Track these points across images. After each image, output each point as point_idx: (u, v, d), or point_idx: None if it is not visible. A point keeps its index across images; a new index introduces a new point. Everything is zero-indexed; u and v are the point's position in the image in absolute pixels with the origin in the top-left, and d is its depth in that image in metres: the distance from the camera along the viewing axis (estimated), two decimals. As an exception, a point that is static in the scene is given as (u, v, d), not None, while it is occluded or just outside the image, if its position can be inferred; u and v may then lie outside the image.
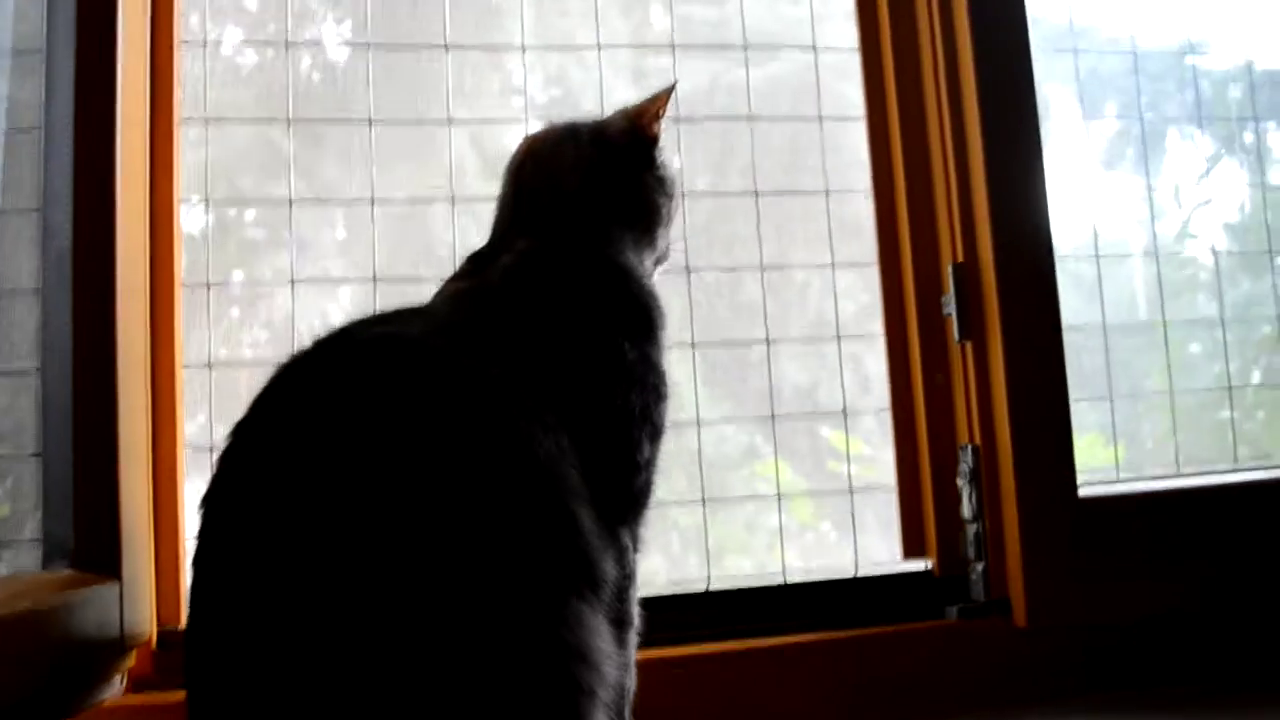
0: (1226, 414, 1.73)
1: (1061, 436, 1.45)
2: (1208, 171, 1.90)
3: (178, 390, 1.38)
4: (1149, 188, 1.78)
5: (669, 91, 1.26)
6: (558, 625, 0.89)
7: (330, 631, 0.83)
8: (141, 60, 1.36)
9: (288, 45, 1.51)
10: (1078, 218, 1.70)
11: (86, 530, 1.09)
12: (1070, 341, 1.49)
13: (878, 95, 1.59)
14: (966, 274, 1.49)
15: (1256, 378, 1.85)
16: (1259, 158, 1.89)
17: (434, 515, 0.86)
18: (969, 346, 1.48)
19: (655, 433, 1.13)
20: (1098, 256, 1.68)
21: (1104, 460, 1.65)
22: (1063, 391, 1.45)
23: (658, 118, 1.26)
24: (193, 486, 1.38)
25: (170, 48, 1.42)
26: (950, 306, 1.50)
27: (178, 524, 1.36)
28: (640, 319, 1.17)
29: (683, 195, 1.35)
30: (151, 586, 1.27)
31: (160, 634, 1.32)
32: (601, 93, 1.56)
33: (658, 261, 1.30)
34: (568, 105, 1.60)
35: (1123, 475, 1.63)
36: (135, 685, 1.29)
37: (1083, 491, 1.46)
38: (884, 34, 1.58)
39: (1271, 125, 1.91)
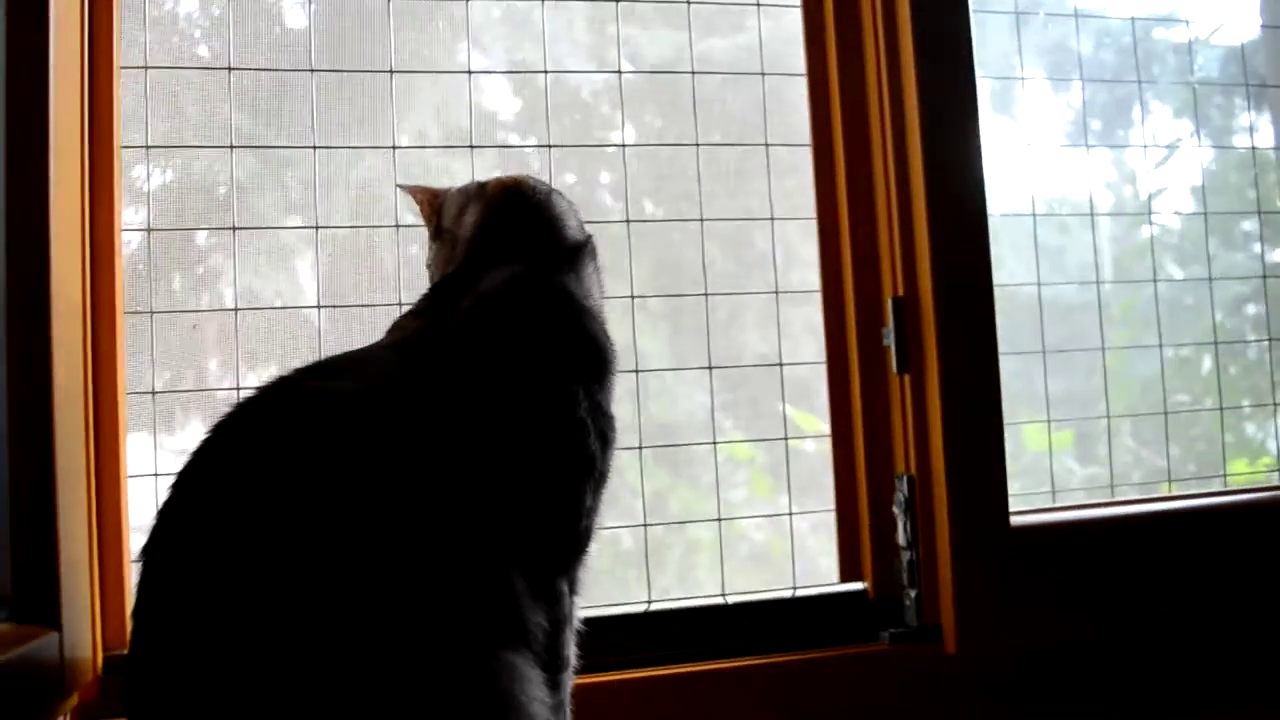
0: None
1: (995, 467, 1.48)
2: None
3: (121, 419, 1.38)
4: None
5: None
6: (486, 676, 0.92)
7: (264, 686, 0.85)
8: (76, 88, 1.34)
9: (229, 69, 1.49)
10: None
11: (24, 581, 1.09)
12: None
13: (823, 125, 1.59)
14: (906, 307, 1.51)
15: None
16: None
17: (363, 575, 0.89)
18: (907, 378, 1.51)
19: (600, 479, 1.14)
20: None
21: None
22: (998, 423, 1.48)
23: None
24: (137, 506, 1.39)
25: (110, 73, 1.40)
26: (890, 339, 1.52)
27: (122, 546, 1.36)
28: (595, 362, 1.18)
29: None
30: (94, 623, 1.28)
31: (106, 659, 1.33)
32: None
33: None
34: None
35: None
36: (80, 712, 1.31)
37: (1015, 520, 1.50)
38: (831, 68, 1.59)
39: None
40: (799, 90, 1.62)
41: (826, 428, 1.59)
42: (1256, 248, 1.96)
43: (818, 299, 1.60)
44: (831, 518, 1.58)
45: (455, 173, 1.53)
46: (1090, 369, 1.78)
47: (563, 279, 1.21)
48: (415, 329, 1.16)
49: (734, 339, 1.61)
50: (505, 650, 0.96)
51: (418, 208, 1.37)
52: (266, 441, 0.95)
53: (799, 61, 1.62)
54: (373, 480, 0.93)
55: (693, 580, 1.67)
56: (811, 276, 1.61)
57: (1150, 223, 1.90)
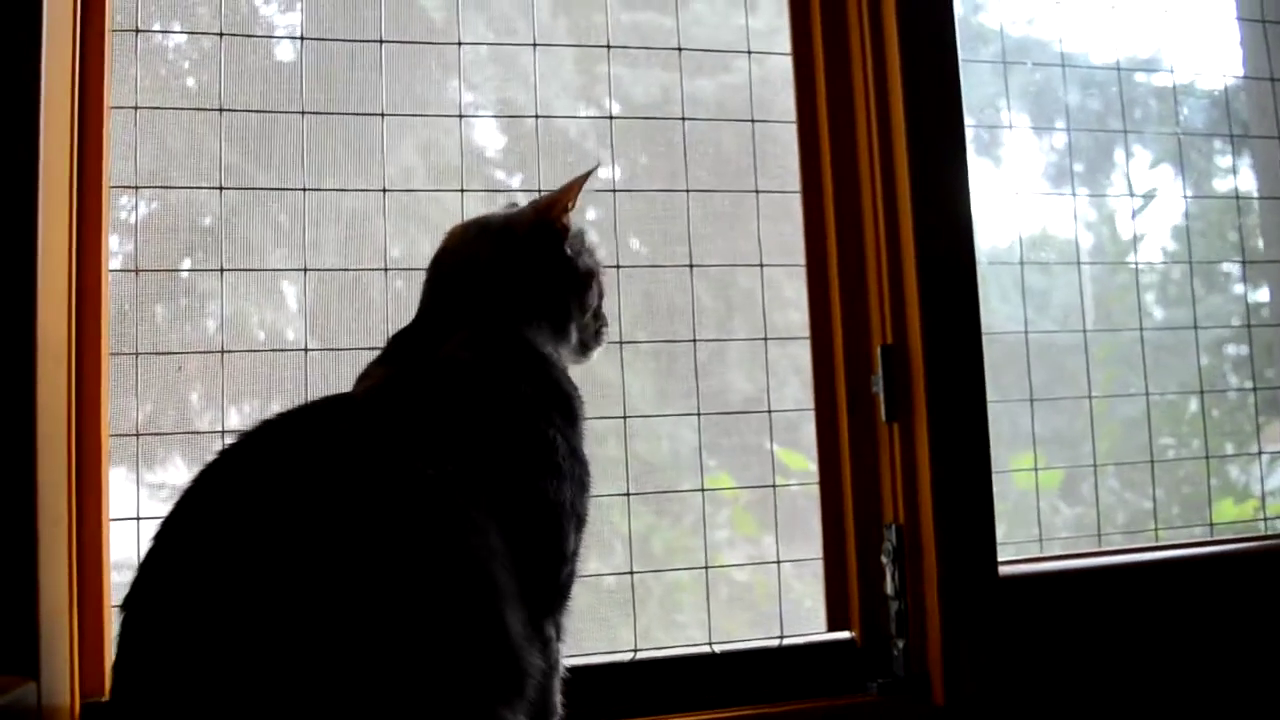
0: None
1: (984, 516, 1.48)
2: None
3: (104, 462, 1.36)
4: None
5: (584, 178, 1.26)
6: None
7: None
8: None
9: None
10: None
11: (2, 630, 1.07)
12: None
13: (813, 173, 1.60)
14: (895, 355, 1.51)
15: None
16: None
17: (360, 628, 0.87)
18: (896, 427, 1.51)
19: (580, 523, 1.15)
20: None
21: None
22: (986, 472, 1.48)
23: (567, 210, 1.27)
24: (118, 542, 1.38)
25: (101, 112, 1.39)
26: (879, 386, 1.52)
27: (102, 590, 1.34)
28: (564, 408, 1.18)
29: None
30: (72, 670, 1.26)
31: (84, 706, 1.30)
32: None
33: (584, 347, 1.31)
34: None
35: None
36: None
37: (1004, 569, 1.49)
38: (820, 108, 1.60)
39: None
40: (787, 130, 1.63)
41: (812, 466, 1.58)
42: (1236, 289, 1.98)
43: (803, 337, 1.60)
44: (817, 561, 1.57)
45: (447, 205, 1.53)
46: (1075, 409, 1.79)
47: (523, 330, 1.21)
48: (384, 377, 1.16)
49: (719, 377, 1.61)
50: (501, 705, 0.95)
51: None
52: (251, 494, 0.94)
53: (786, 102, 1.63)
54: (372, 526, 0.92)
55: (673, 623, 1.65)
56: (797, 316, 1.61)
57: (1135, 265, 1.91)
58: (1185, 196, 1.93)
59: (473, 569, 0.96)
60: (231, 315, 1.47)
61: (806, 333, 1.59)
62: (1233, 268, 1.98)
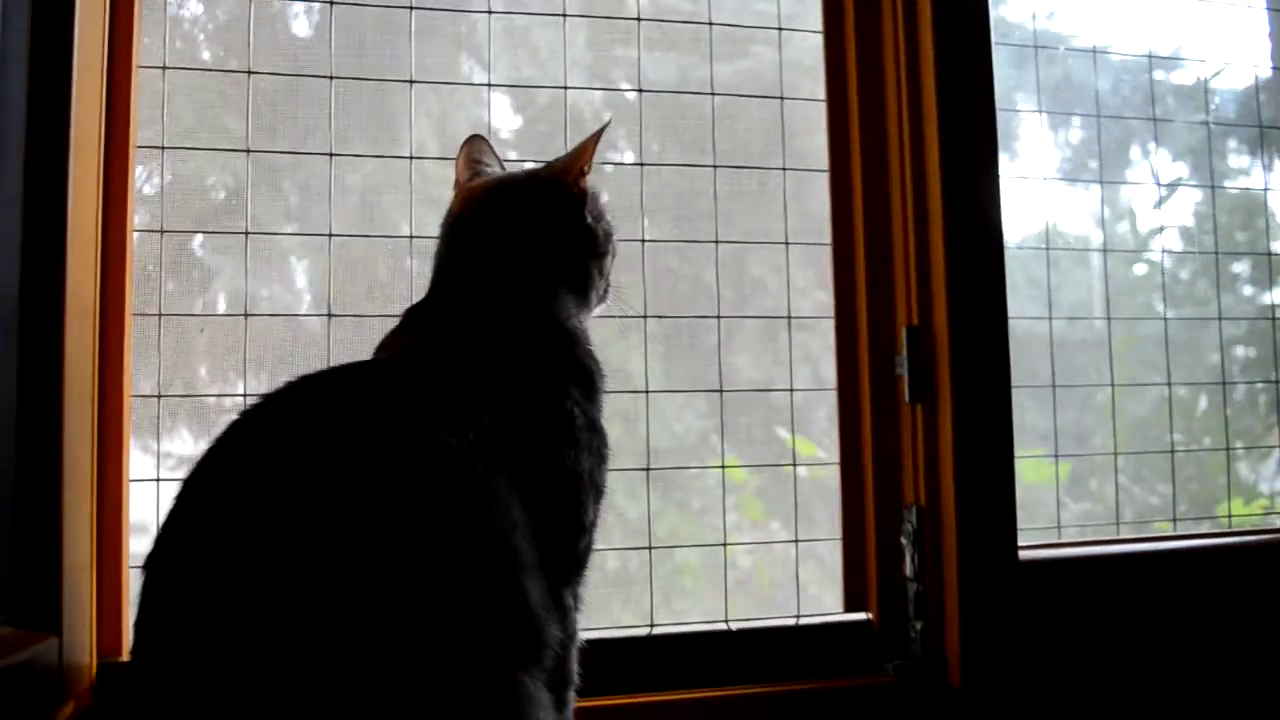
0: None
1: (1005, 499, 1.47)
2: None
3: (125, 422, 1.36)
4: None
5: (596, 137, 1.24)
6: (503, 702, 0.91)
7: (274, 707, 0.83)
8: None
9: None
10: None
11: (26, 583, 1.07)
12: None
13: (841, 151, 1.59)
14: (920, 337, 1.50)
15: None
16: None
17: (383, 594, 0.87)
18: (919, 408, 1.50)
19: (598, 494, 1.15)
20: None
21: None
22: (1009, 456, 1.48)
23: (584, 173, 1.25)
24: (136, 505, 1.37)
25: (129, 72, 1.39)
26: (903, 367, 1.51)
27: (121, 549, 1.34)
28: (584, 381, 1.18)
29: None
30: (92, 629, 1.26)
31: (100, 666, 1.31)
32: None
33: (598, 300, 1.30)
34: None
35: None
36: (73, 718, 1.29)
37: (1023, 554, 1.49)
38: (851, 86, 1.59)
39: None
40: (801, 116, 1.62)
41: (821, 453, 1.57)
42: (1245, 289, 1.96)
43: (812, 323, 1.59)
44: (819, 545, 1.57)
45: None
46: (1083, 404, 1.77)
47: (543, 296, 1.20)
48: (404, 346, 1.15)
49: (726, 361, 1.59)
50: (520, 672, 0.95)
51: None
52: (272, 457, 0.93)
53: (802, 88, 1.62)
54: (381, 499, 0.91)
55: (676, 607, 1.65)
56: (804, 301, 1.60)
57: (1161, 257, 1.90)
58: (1211, 187, 1.91)
59: (494, 537, 0.95)
60: (238, 288, 1.46)
61: (818, 318, 1.59)
62: (1240, 266, 1.96)
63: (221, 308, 1.47)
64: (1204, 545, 1.62)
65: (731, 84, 1.62)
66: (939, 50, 1.49)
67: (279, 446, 0.94)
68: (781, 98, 1.62)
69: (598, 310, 1.32)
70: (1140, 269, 1.93)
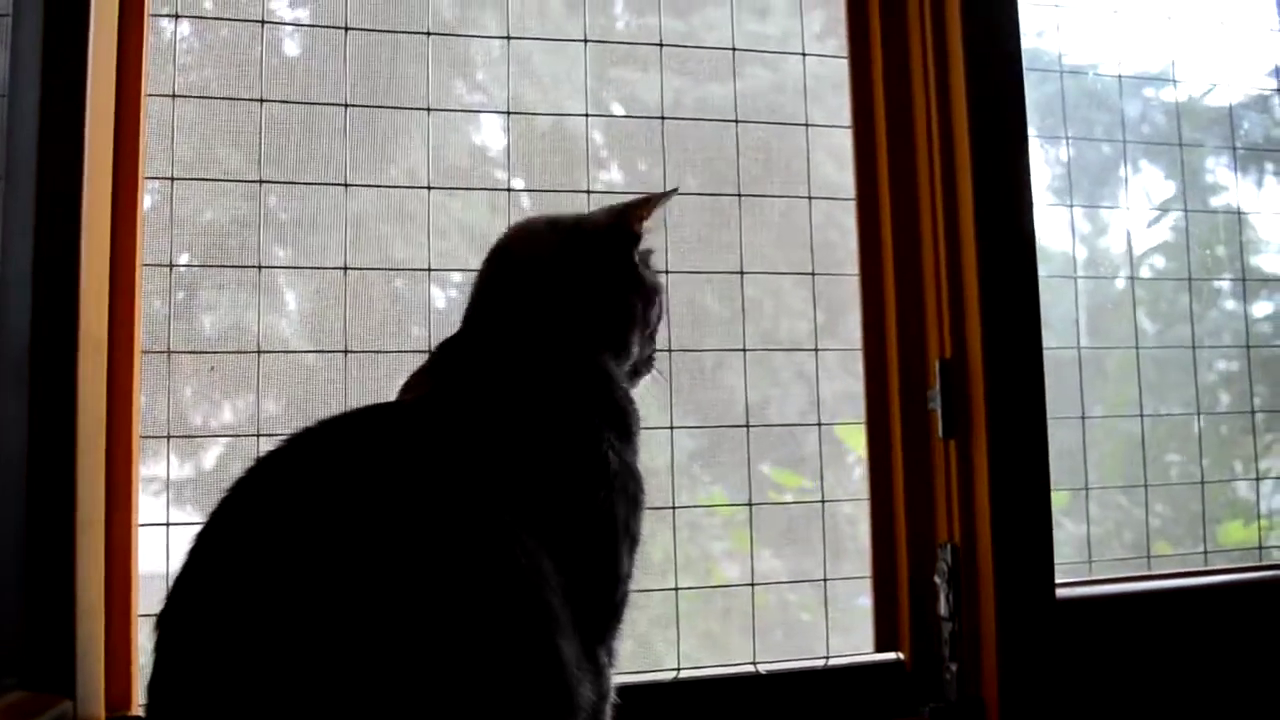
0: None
1: (1042, 536, 1.43)
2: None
3: (134, 465, 1.31)
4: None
5: (664, 197, 1.22)
6: None
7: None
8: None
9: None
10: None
11: (39, 645, 1.02)
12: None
13: (869, 177, 1.56)
14: (954, 371, 1.46)
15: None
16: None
17: (407, 658, 0.82)
18: (953, 444, 1.46)
19: (634, 544, 1.10)
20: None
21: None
22: (1045, 492, 1.44)
23: (643, 219, 1.22)
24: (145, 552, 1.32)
25: (138, 101, 1.34)
26: (936, 402, 1.47)
27: (130, 600, 1.29)
28: (620, 426, 1.13)
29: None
30: (103, 685, 1.20)
31: None
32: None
33: (635, 371, 1.25)
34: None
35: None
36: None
37: (1060, 592, 1.45)
38: (879, 121, 1.55)
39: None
40: (798, 141, 1.58)
41: (806, 483, 1.54)
42: (1228, 304, 1.92)
43: (805, 339, 1.57)
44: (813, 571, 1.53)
45: (450, 210, 1.49)
46: (1075, 425, 1.72)
47: (584, 340, 1.16)
48: (432, 388, 1.11)
49: (724, 386, 1.55)
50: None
51: None
52: (291, 509, 0.88)
53: (799, 111, 1.59)
54: (406, 558, 0.86)
55: (669, 636, 1.59)
56: (804, 326, 1.57)
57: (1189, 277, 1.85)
58: (1235, 212, 1.88)
59: (526, 597, 0.91)
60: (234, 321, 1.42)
61: (813, 345, 1.56)
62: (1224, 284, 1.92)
63: (231, 344, 1.42)
64: (1246, 580, 1.58)
65: (726, 107, 1.57)
66: (970, 70, 1.46)
67: (297, 500, 0.89)
68: (807, 125, 1.58)
69: (643, 381, 1.27)
70: (1124, 287, 1.88)
